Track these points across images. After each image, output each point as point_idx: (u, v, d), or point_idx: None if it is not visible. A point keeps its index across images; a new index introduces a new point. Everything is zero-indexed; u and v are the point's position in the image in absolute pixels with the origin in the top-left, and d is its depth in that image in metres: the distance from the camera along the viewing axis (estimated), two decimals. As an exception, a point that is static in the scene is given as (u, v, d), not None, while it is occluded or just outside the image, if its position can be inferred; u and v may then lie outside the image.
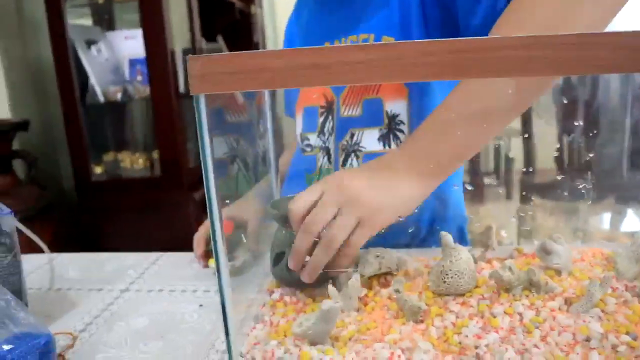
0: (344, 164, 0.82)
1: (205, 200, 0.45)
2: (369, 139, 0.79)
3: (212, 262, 0.79)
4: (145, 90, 2.21)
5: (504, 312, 0.52)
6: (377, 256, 0.62)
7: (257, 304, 0.61)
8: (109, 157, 2.31)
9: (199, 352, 0.58)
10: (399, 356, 0.46)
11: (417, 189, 0.61)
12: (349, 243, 0.57)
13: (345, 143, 0.81)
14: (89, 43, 2.20)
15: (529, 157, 2.47)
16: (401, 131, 0.78)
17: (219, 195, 0.44)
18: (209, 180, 0.44)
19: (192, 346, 0.60)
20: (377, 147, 0.79)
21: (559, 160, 2.48)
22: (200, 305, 0.69)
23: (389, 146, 0.78)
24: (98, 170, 2.25)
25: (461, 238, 0.87)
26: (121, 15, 2.45)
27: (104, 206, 2.17)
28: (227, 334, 0.47)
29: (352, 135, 0.81)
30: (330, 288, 0.56)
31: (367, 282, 0.61)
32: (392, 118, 0.77)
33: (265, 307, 0.59)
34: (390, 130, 0.78)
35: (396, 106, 0.77)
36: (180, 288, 0.75)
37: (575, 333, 0.49)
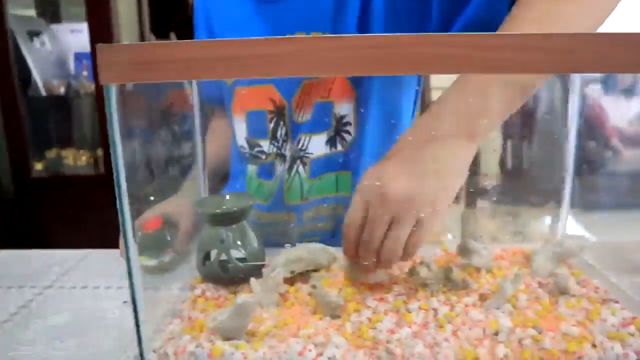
0: (289, 170, 0.81)
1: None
2: (318, 144, 0.78)
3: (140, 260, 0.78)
4: (91, 85, 2.16)
5: (419, 307, 0.53)
6: (309, 252, 0.62)
7: (180, 301, 0.60)
8: (51, 153, 2.24)
9: (117, 348, 0.57)
10: (310, 350, 0.46)
11: (465, 150, 0.54)
12: (409, 248, 0.53)
13: (294, 148, 0.80)
14: (32, 34, 2.13)
15: (475, 161, 2.52)
16: (348, 132, 0.78)
17: (128, 190, 0.44)
18: (119, 175, 0.43)
19: (111, 342, 0.58)
20: (325, 150, 0.78)
21: (502, 164, 2.55)
22: (124, 302, 0.68)
23: (336, 149, 0.79)
24: (39, 166, 2.18)
25: None
26: (67, 7, 2.38)
27: (45, 203, 2.11)
28: (137, 327, 0.46)
29: (299, 141, 0.79)
30: (253, 281, 0.56)
31: (291, 279, 0.61)
32: (340, 120, 0.77)
33: (186, 302, 0.58)
34: (337, 132, 0.78)
35: (344, 108, 0.77)
36: (105, 285, 0.73)
37: (486, 328, 0.50)
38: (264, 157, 0.84)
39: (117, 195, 0.44)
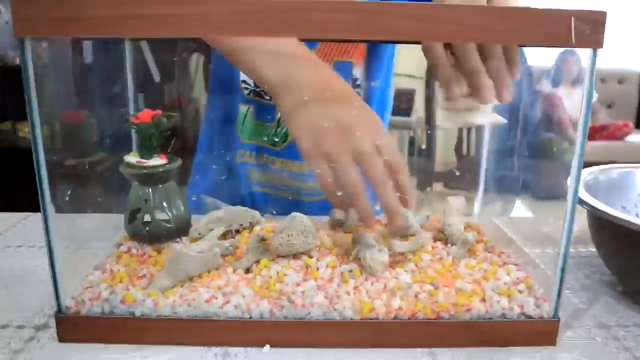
0: None
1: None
2: None
3: None
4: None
5: (327, 265, 0.56)
6: (228, 213, 0.66)
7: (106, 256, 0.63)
8: (5, 125, 2.21)
9: (43, 301, 0.59)
10: (217, 298, 0.50)
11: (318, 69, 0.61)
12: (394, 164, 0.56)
13: None
14: (-13, 3, 2.09)
15: (430, 148, 2.60)
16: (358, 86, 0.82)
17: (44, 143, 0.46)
18: (35, 129, 0.46)
19: (39, 296, 0.61)
20: None
21: (458, 151, 2.63)
22: (56, 260, 0.69)
23: None
24: (-8, 137, 2.15)
25: None
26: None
27: (-2, 175, 2.09)
28: (53, 272, 0.49)
29: None
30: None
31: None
32: (353, 82, 0.81)
33: (110, 257, 0.60)
34: None
35: (357, 70, 0.81)
36: (40, 244, 0.75)
37: (387, 283, 0.54)
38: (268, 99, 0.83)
39: (33, 152, 0.46)
